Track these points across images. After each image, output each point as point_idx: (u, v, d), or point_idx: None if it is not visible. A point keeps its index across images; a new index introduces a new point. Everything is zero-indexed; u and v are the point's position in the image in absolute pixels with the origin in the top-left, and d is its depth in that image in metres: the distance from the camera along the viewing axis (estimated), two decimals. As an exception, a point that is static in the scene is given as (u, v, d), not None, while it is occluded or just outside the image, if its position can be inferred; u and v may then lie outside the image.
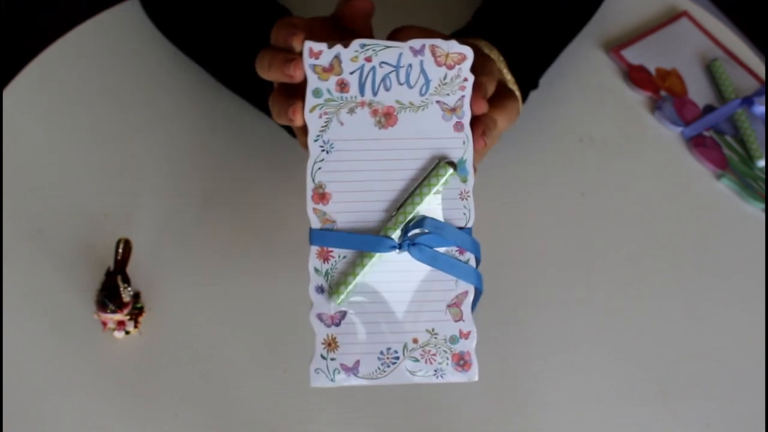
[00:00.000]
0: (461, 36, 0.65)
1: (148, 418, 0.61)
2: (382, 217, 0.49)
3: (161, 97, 0.75)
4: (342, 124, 0.49)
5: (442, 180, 0.49)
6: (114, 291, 0.61)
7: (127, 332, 0.64)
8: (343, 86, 0.49)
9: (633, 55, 0.80)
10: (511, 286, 0.68)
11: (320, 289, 0.50)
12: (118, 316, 0.62)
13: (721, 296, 0.68)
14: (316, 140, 0.49)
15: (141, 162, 0.71)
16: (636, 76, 0.79)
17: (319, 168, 0.49)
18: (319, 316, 0.50)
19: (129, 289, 0.62)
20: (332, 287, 0.49)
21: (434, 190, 0.49)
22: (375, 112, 0.49)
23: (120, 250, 0.63)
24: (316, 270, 0.49)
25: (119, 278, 0.62)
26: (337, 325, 0.50)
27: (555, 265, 0.69)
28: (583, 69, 0.79)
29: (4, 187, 0.69)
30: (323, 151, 0.49)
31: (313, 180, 0.49)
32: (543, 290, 0.68)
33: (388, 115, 0.49)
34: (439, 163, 0.49)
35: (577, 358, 0.65)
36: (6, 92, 0.74)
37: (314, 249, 0.49)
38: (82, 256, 0.67)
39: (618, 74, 0.79)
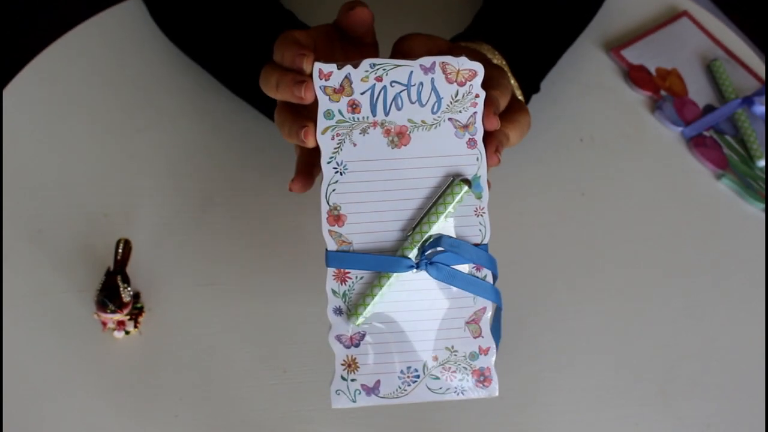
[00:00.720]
0: (463, 39, 0.65)
1: (148, 418, 0.61)
2: (398, 236, 0.49)
3: (161, 97, 0.75)
4: (355, 145, 0.49)
5: (457, 198, 0.49)
6: (114, 291, 0.61)
7: (127, 332, 0.63)
8: (354, 107, 0.49)
9: (633, 55, 0.80)
10: (511, 286, 0.67)
11: (338, 311, 0.49)
12: (118, 316, 0.62)
13: (721, 296, 0.68)
14: (329, 162, 0.49)
15: (141, 162, 0.71)
16: (636, 76, 0.79)
17: (334, 190, 0.49)
18: (338, 338, 0.49)
19: (129, 289, 0.62)
20: (350, 309, 0.49)
21: (449, 208, 0.49)
22: (388, 132, 0.49)
23: (120, 250, 0.63)
24: (334, 292, 0.49)
25: (119, 278, 0.62)
26: (357, 346, 0.49)
27: (555, 265, 0.69)
28: (583, 69, 0.79)
29: (4, 187, 0.69)
30: (336, 172, 0.49)
31: (328, 202, 0.49)
32: (543, 290, 0.68)
33: (400, 134, 0.49)
34: (453, 181, 0.49)
35: (577, 358, 0.65)
36: (6, 92, 0.74)
37: (331, 271, 0.49)
38: (82, 256, 0.67)
39: (618, 74, 0.79)
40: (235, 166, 0.72)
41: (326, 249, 0.49)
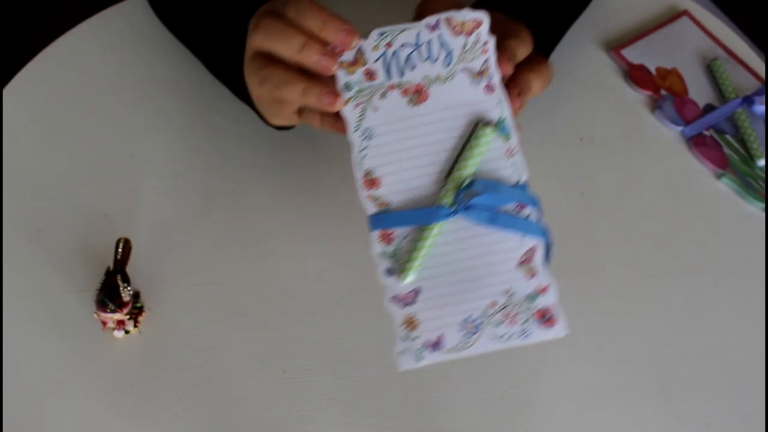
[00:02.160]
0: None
1: (148, 417, 0.61)
2: (433, 190, 0.50)
3: (161, 97, 0.75)
4: (377, 110, 0.51)
5: (484, 141, 0.50)
6: (114, 290, 0.61)
7: (127, 332, 0.63)
8: (370, 75, 0.51)
9: (633, 54, 0.80)
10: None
11: (389, 272, 0.50)
12: (118, 316, 0.62)
13: (721, 296, 0.68)
14: (355, 131, 0.51)
15: (141, 162, 0.71)
16: (636, 75, 0.79)
17: (365, 156, 0.51)
18: (394, 299, 0.50)
19: (129, 288, 0.62)
20: (400, 267, 0.50)
21: (477, 152, 0.50)
22: (405, 92, 0.51)
23: (120, 250, 0.63)
24: (382, 254, 0.51)
25: (119, 278, 0.62)
26: (413, 303, 0.50)
27: (555, 264, 0.69)
28: (583, 69, 0.79)
29: (4, 187, 0.69)
30: (364, 139, 0.51)
31: (361, 167, 0.51)
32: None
33: (418, 92, 0.51)
34: (477, 126, 0.50)
35: (577, 358, 0.65)
36: (6, 91, 0.74)
37: (375, 234, 0.51)
38: (81, 256, 0.67)
39: (618, 74, 0.79)
40: (235, 166, 0.72)
41: (368, 214, 0.51)
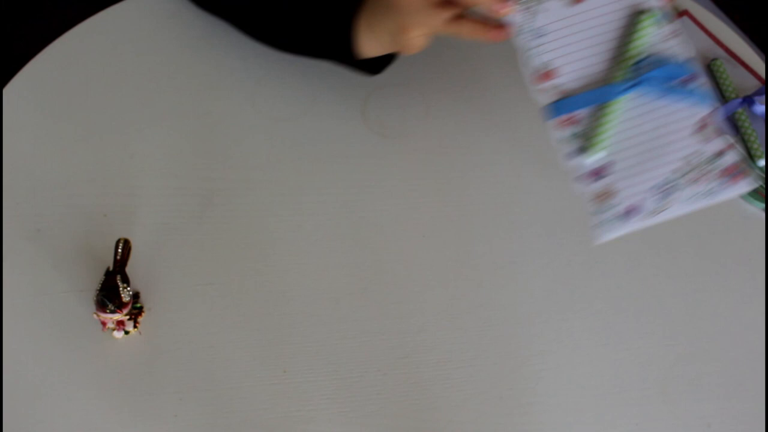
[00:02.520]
0: None
1: (148, 417, 0.61)
2: (606, 74, 0.56)
3: (161, 97, 0.75)
4: (540, 12, 0.57)
5: (647, 25, 0.56)
6: (113, 291, 0.61)
7: (127, 332, 0.63)
8: None
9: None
10: (511, 286, 0.68)
11: (575, 153, 0.55)
12: (118, 316, 0.62)
13: (721, 296, 0.68)
14: (524, 33, 0.57)
15: (141, 162, 0.71)
16: (636, 75, 0.79)
17: (538, 52, 0.57)
18: (583, 177, 0.55)
19: (128, 288, 0.62)
20: (589, 144, 0.54)
21: (643, 34, 0.55)
22: None
23: (119, 250, 0.63)
24: (567, 137, 0.55)
25: (119, 278, 0.62)
26: (602, 177, 0.54)
27: (555, 265, 0.69)
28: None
29: (4, 187, 0.69)
30: (535, 38, 0.57)
31: (532, 64, 0.56)
32: (543, 290, 0.68)
33: None
34: (637, 15, 0.56)
35: (577, 358, 0.65)
36: (6, 91, 0.74)
37: (554, 122, 0.56)
38: (81, 256, 0.67)
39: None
40: (235, 166, 0.72)
41: (543, 107, 0.56)
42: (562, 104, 0.56)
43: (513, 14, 0.57)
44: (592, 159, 0.54)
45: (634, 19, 0.56)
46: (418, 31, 0.62)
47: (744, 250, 0.71)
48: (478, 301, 0.67)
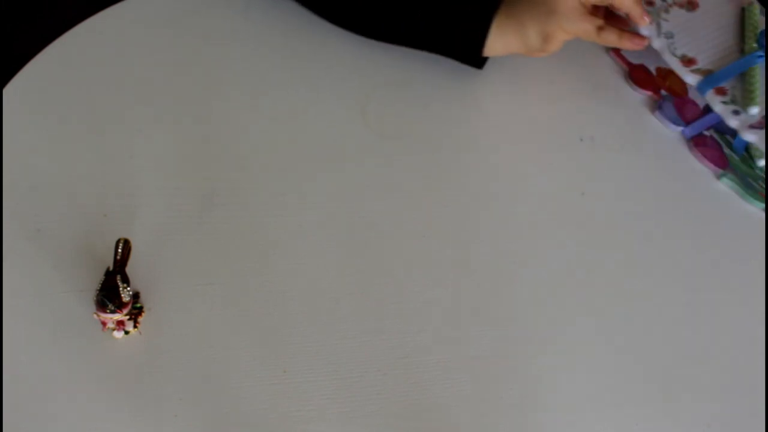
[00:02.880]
0: None
1: (148, 418, 0.61)
2: (736, 50, 0.73)
3: (161, 97, 0.75)
4: (666, 20, 0.75)
5: (757, 12, 0.74)
6: (113, 291, 0.61)
7: (127, 332, 0.63)
8: (649, 2, 0.77)
9: (633, 54, 0.80)
10: (511, 286, 0.68)
11: (736, 112, 0.71)
12: (118, 316, 0.62)
13: (722, 296, 0.68)
14: (659, 36, 0.74)
15: (141, 162, 0.71)
16: (637, 75, 0.79)
17: (675, 48, 0.74)
18: (751, 127, 0.70)
19: (128, 288, 0.62)
20: (744, 103, 0.71)
21: (756, 18, 0.74)
22: (681, 5, 0.76)
23: (119, 250, 0.63)
24: (724, 103, 0.71)
25: (119, 278, 0.62)
26: (762, 127, 0.70)
27: (555, 265, 0.69)
28: (583, 69, 0.79)
29: (4, 186, 0.69)
30: (668, 38, 0.74)
31: (676, 56, 0.73)
32: (543, 290, 0.68)
33: (690, 3, 0.76)
34: (747, 8, 0.75)
35: (577, 359, 0.65)
36: (6, 91, 0.74)
37: (709, 94, 0.71)
38: (81, 256, 0.67)
39: (618, 74, 0.79)
40: (235, 166, 0.72)
41: (695, 85, 0.73)
42: (710, 79, 0.71)
43: (646, 26, 0.72)
44: (754, 112, 0.69)
45: (743, 12, 0.74)
46: (565, 37, 0.70)
47: (744, 250, 0.71)
48: (478, 301, 0.67)
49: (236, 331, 0.65)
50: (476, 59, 0.74)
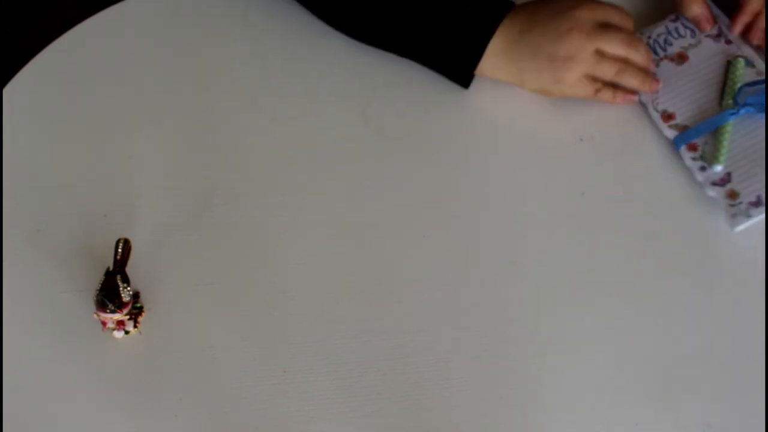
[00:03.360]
0: None
1: (148, 418, 0.61)
2: (713, 106, 0.73)
3: (161, 97, 0.75)
4: (656, 74, 0.74)
5: (739, 67, 0.73)
6: (114, 291, 0.61)
7: (127, 332, 0.63)
8: None
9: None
10: (511, 286, 0.68)
11: (703, 168, 0.70)
12: (118, 316, 0.62)
13: (721, 296, 0.68)
14: (643, 93, 0.74)
15: (141, 162, 0.71)
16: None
17: (657, 103, 0.74)
18: (713, 184, 0.70)
19: (128, 288, 0.62)
20: (710, 160, 0.70)
21: (738, 74, 0.73)
22: (671, 59, 0.75)
23: (119, 250, 0.63)
24: (693, 159, 0.71)
25: (119, 278, 0.62)
26: (729, 180, 0.69)
27: (555, 265, 0.69)
28: (583, 69, 0.79)
29: (4, 187, 0.69)
30: (653, 94, 0.74)
31: (658, 112, 0.73)
32: (543, 290, 0.68)
33: (680, 56, 0.75)
34: (732, 62, 0.73)
35: (577, 358, 0.65)
36: (6, 91, 0.74)
37: (682, 150, 0.72)
38: (81, 256, 0.67)
39: (618, 74, 0.79)
40: (236, 166, 0.72)
41: (672, 139, 0.73)
42: (685, 135, 0.72)
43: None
44: (716, 170, 0.69)
45: (728, 65, 0.73)
46: (580, 70, 0.70)
47: (744, 250, 0.71)
48: (478, 301, 0.67)
49: (236, 331, 0.65)
50: (467, 73, 0.73)
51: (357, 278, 0.67)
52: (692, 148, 0.71)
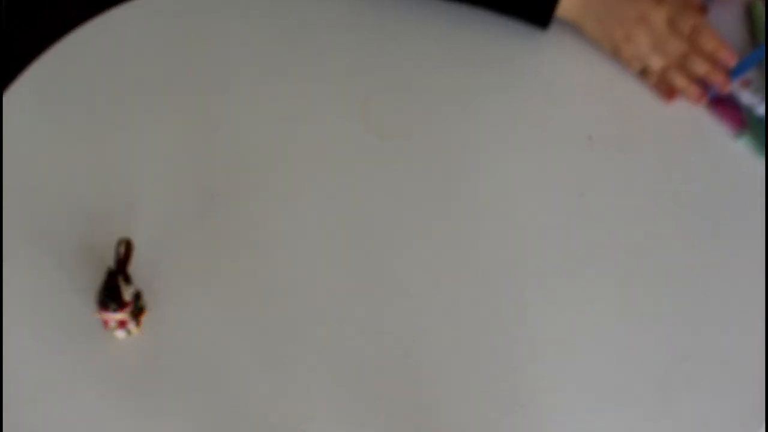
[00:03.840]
0: None
1: (149, 417, 0.61)
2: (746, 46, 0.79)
3: (161, 97, 0.75)
4: None
5: (761, 10, 0.80)
6: (115, 291, 0.61)
7: (129, 332, 0.64)
8: None
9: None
10: (511, 286, 0.68)
11: (759, 101, 0.75)
12: (120, 316, 0.62)
13: (721, 296, 0.68)
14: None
15: (141, 162, 0.72)
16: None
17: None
18: None
19: (130, 288, 0.62)
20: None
21: (761, 17, 0.80)
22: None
23: (121, 250, 0.64)
24: (752, 93, 0.76)
25: (120, 278, 0.62)
26: None
27: (555, 265, 0.69)
28: (583, 68, 0.79)
29: (5, 187, 0.70)
30: None
31: None
32: (543, 290, 0.68)
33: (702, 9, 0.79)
34: (752, 7, 0.81)
35: (577, 358, 0.65)
36: (7, 93, 0.74)
37: (738, 90, 0.76)
38: (82, 256, 0.67)
39: (620, 71, 0.79)
40: (236, 166, 0.72)
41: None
42: (738, 69, 0.74)
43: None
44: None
45: (751, 8, 0.80)
46: (646, 40, 0.73)
47: (744, 252, 0.71)
48: (479, 301, 0.67)
49: (237, 331, 0.65)
50: (546, 12, 0.75)
51: (357, 278, 0.67)
52: (745, 84, 0.76)
